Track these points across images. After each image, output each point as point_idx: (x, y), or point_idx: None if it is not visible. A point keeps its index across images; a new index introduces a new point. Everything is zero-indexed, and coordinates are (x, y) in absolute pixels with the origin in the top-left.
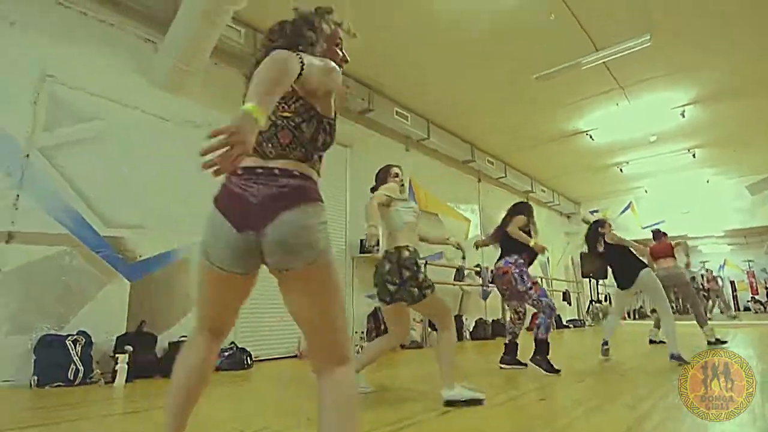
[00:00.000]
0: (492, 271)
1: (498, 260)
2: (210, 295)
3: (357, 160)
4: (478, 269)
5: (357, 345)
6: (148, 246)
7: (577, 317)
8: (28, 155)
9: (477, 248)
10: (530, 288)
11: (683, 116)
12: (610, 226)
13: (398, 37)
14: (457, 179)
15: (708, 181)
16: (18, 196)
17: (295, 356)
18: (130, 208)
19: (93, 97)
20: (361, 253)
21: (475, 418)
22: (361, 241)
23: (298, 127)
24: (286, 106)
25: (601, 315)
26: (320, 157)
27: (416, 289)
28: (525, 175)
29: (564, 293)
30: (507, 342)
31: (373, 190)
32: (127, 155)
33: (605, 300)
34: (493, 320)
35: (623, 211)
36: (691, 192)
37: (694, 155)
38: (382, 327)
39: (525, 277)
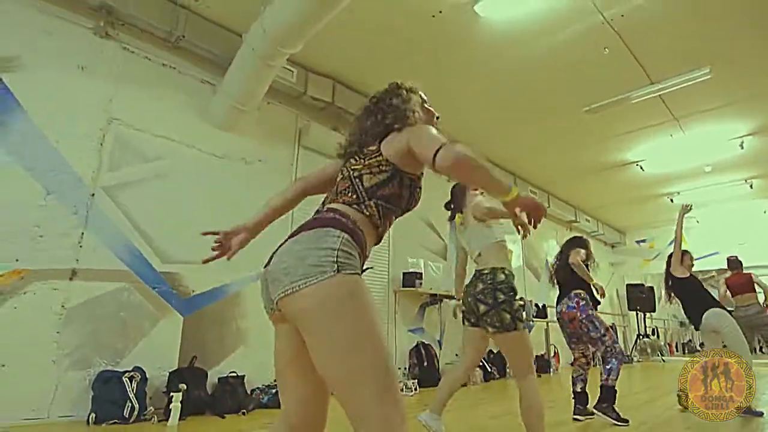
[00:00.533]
0: (557, 314)
1: (559, 302)
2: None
3: None
4: (522, 302)
5: (402, 382)
6: (201, 281)
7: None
8: (93, 194)
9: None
10: (604, 334)
11: (742, 147)
12: None
13: (444, 68)
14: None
15: (766, 212)
16: (83, 234)
17: None
18: (186, 243)
19: (156, 138)
20: (404, 286)
21: None
22: (404, 274)
23: (360, 177)
24: (360, 159)
25: (649, 350)
26: (383, 209)
27: (508, 315)
28: (569, 205)
29: (610, 326)
30: (579, 390)
31: (452, 209)
32: (184, 192)
33: (653, 334)
34: (537, 356)
35: (672, 242)
36: (747, 223)
37: (751, 185)
38: (425, 363)
39: (597, 323)
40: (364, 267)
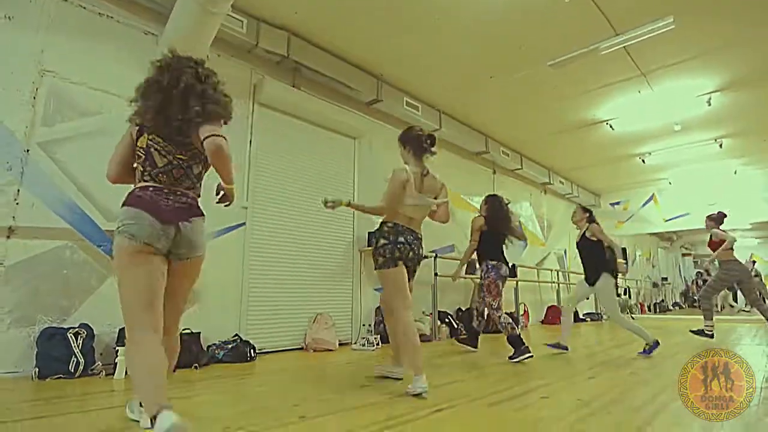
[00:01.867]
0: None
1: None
2: (143, 272)
3: (365, 152)
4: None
5: (364, 338)
6: None
7: (594, 311)
8: (28, 150)
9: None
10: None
11: (709, 104)
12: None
13: (407, 24)
14: (471, 171)
15: (736, 172)
16: (18, 191)
17: (301, 348)
18: None
19: (94, 92)
20: (368, 246)
21: (471, 417)
22: (369, 233)
23: (190, 167)
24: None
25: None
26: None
27: (380, 258)
28: (542, 167)
29: None
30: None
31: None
32: None
33: (624, 293)
34: (505, 314)
35: (645, 204)
36: (717, 183)
37: (720, 145)
38: None
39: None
40: None
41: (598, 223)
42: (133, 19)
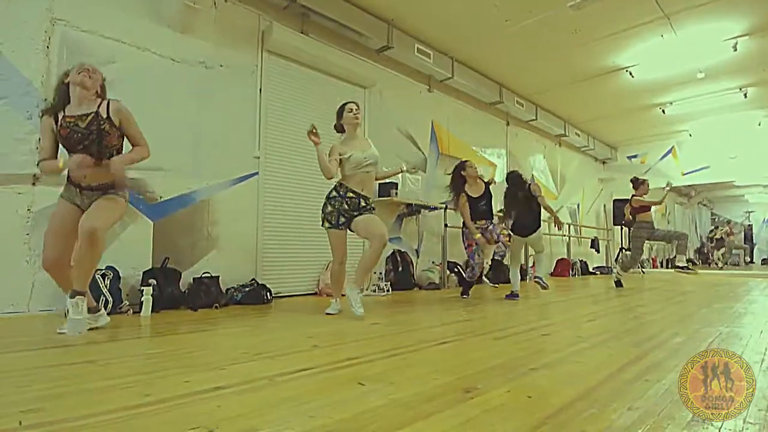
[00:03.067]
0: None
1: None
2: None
3: (375, 102)
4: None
5: (375, 285)
6: (167, 187)
7: (604, 264)
8: (45, 99)
9: None
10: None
11: (735, 49)
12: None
13: None
14: (484, 121)
15: (760, 124)
16: (39, 139)
17: (315, 293)
18: None
19: (106, 40)
20: (379, 196)
21: (470, 349)
22: (379, 184)
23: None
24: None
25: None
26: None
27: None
28: (558, 118)
29: (592, 240)
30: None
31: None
32: (142, 98)
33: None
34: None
35: (664, 156)
36: (739, 136)
37: (745, 95)
38: (400, 268)
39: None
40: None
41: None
42: None
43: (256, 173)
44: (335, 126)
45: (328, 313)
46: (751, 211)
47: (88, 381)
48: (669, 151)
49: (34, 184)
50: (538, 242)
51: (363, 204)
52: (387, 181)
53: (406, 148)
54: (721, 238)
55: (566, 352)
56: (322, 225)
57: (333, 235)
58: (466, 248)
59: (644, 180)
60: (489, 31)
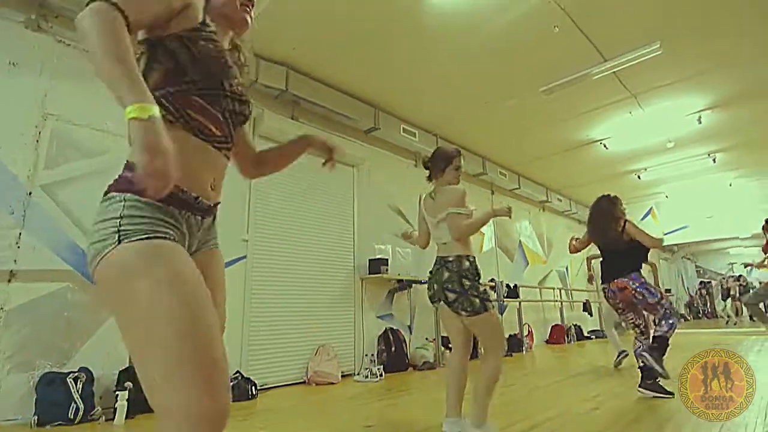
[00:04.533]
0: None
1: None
2: None
3: (364, 180)
4: (493, 284)
5: (367, 369)
6: None
7: (599, 328)
8: (30, 193)
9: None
10: (661, 299)
11: (699, 122)
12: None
13: (401, 54)
14: (469, 192)
15: (731, 185)
16: (20, 234)
17: (303, 382)
18: None
19: (96, 132)
20: (370, 273)
21: None
22: (370, 261)
23: None
24: None
25: (624, 325)
26: (170, 97)
27: (478, 300)
28: (540, 185)
29: (584, 304)
30: (642, 365)
31: (430, 177)
32: None
33: None
34: (509, 335)
35: (644, 218)
36: (713, 196)
37: (714, 160)
38: (393, 348)
39: (652, 289)
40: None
41: None
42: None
43: (244, 257)
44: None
45: None
46: (734, 263)
47: None
48: (648, 212)
49: (9, 281)
50: None
51: None
52: (377, 257)
53: (395, 222)
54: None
55: None
56: (485, 312)
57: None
58: (659, 300)
59: None
60: (470, 112)
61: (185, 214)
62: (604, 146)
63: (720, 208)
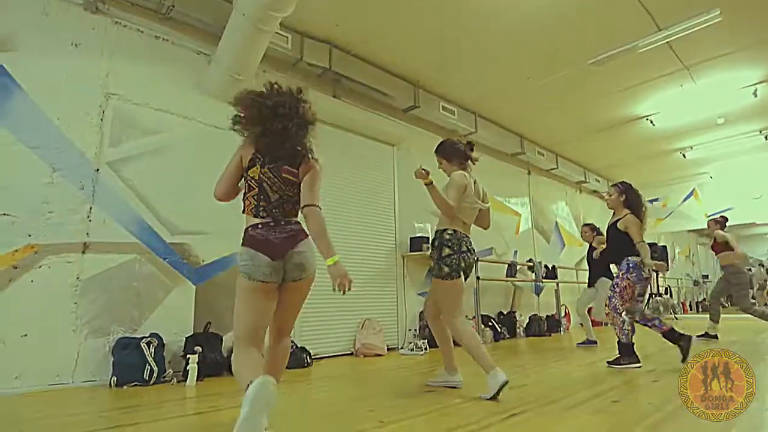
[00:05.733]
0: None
1: None
2: (254, 306)
3: (403, 158)
4: (531, 264)
5: (411, 342)
6: (209, 251)
7: None
8: (98, 170)
9: None
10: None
11: (755, 95)
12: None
13: (444, 31)
14: (506, 172)
15: None
16: (91, 208)
17: (351, 354)
18: (192, 215)
19: (155, 112)
20: (411, 251)
21: (549, 423)
22: (411, 239)
23: (297, 201)
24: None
25: (661, 308)
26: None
27: (447, 268)
28: (578, 166)
29: None
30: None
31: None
32: (188, 165)
33: (666, 293)
34: (546, 316)
35: (686, 199)
36: (761, 176)
37: (766, 137)
38: None
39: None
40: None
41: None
42: (186, 41)
43: None
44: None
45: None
46: None
47: None
48: (690, 194)
49: (83, 252)
50: None
51: (432, 238)
52: (418, 235)
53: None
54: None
55: (649, 423)
56: (451, 278)
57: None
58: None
59: None
60: (511, 89)
61: None
62: (651, 123)
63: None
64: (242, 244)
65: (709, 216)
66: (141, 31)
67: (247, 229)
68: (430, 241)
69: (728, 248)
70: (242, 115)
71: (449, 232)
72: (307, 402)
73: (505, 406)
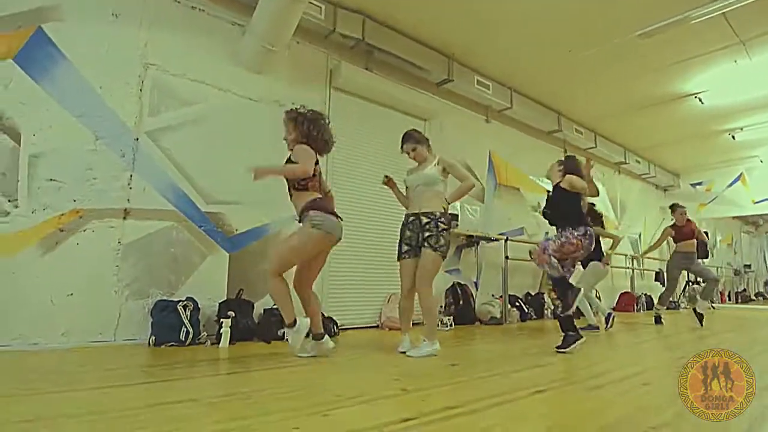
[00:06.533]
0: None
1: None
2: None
3: (435, 134)
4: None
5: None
6: (243, 221)
7: (671, 299)
8: (137, 138)
9: None
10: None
11: None
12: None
13: (480, 1)
14: (541, 150)
15: None
16: (131, 176)
17: (377, 326)
18: (227, 185)
19: (191, 83)
20: None
21: (573, 401)
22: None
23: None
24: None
25: (698, 297)
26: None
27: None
28: (617, 145)
29: (656, 273)
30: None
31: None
32: (223, 136)
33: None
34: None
35: (732, 184)
36: None
37: None
38: (461, 302)
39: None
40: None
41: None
42: (222, 11)
43: None
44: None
45: (401, 352)
46: None
47: (198, 424)
48: (737, 178)
49: (125, 218)
50: None
51: (426, 221)
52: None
53: None
54: None
55: (679, 407)
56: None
57: (400, 266)
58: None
59: (674, 205)
60: (550, 62)
61: None
62: (699, 101)
63: None
64: (312, 209)
65: (757, 202)
66: (178, 2)
67: (314, 200)
68: (425, 222)
69: None
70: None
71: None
72: (333, 367)
73: (531, 382)
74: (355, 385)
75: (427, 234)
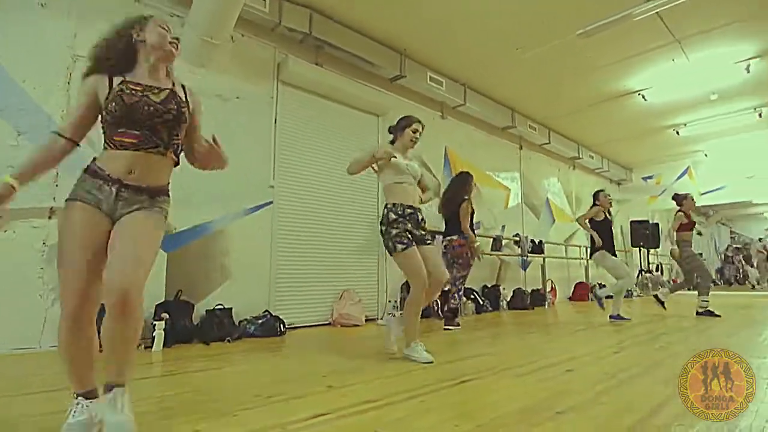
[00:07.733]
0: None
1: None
2: None
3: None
4: (518, 239)
5: (390, 314)
6: (184, 218)
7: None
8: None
9: None
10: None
11: (748, 71)
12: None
13: (446, 6)
14: (497, 146)
15: None
16: (57, 173)
17: (329, 324)
18: None
19: None
20: None
21: (491, 389)
22: None
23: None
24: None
25: (650, 285)
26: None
27: (390, 243)
28: (571, 141)
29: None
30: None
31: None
32: None
33: (657, 270)
34: (532, 290)
35: (679, 177)
36: (755, 155)
37: (760, 114)
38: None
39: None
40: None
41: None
42: (158, 2)
43: (271, 202)
44: (390, 130)
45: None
46: None
47: None
48: (685, 172)
49: (50, 217)
50: None
51: (421, 218)
52: None
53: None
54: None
55: (593, 392)
56: (393, 252)
57: (410, 255)
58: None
59: (686, 194)
60: (500, 59)
61: (99, 183)
62: (643, 98)
63: (762, 168)
64: None
65: (703, 193)
66: None
67: None
68: (421, 218)
69: None
70: None
71: None
72: (264, 366)
73: (458, 373)
74: (278, 385)
75: (423, 232)
